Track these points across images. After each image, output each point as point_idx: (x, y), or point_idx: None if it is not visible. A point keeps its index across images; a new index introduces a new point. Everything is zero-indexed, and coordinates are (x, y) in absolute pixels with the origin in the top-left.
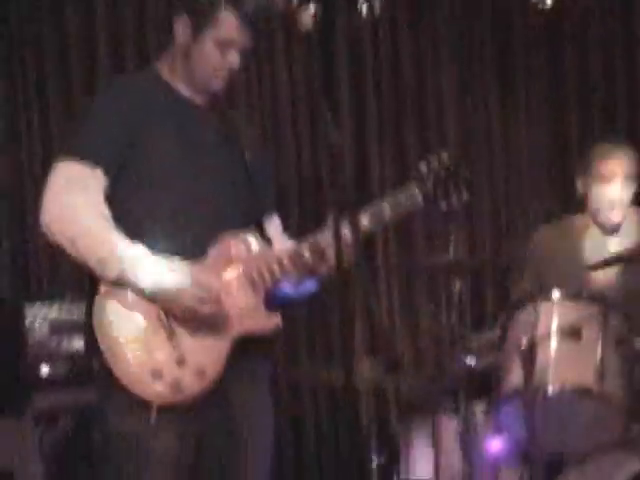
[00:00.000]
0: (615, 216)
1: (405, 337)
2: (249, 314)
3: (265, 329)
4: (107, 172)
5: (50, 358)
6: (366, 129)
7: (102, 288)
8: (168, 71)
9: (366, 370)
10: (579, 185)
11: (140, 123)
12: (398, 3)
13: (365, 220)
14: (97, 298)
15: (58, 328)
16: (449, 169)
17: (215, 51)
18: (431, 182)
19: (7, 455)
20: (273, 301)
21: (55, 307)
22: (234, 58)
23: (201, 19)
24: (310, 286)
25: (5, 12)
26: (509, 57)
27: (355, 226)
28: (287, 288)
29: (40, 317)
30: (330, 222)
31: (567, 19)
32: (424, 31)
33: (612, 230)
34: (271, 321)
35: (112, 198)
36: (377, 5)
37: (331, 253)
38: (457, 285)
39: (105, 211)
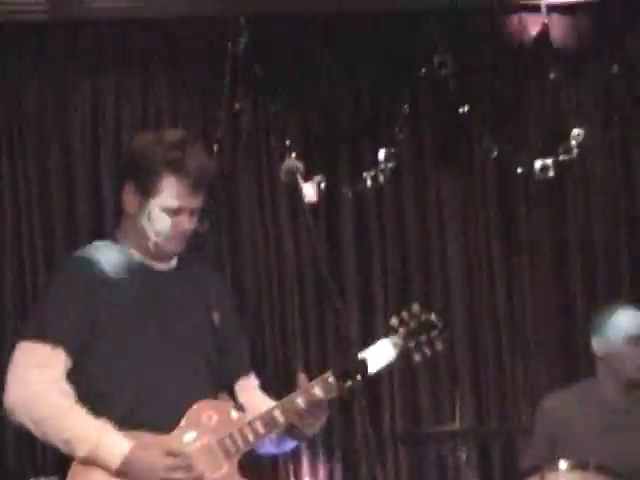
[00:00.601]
0: None
1: None
2: None
3: None
4: (69, 351)
5: None
6: (372, 300)
7: (73, 467)
8: (124, 238)
9: None
10: (595, 346)
11: (100, 299)
12: (402, 171)
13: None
14: (69, 475)
15: None
16: (420, 320)
17: (164, 218)
18: (403, 335)
19: None
20: (255, 456)
21: None
22: (184, 223)
23: (145, 188)
24: (290, 442)
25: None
26: (513, 220)
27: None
28: (267, 445)
29: None
30: (301, 383)
31: (569, 187)
32: (428, 197)
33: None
34: None
35: (77, 374)
36: (381, 174)
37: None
38: (464, 455)
39: (68, 390)
